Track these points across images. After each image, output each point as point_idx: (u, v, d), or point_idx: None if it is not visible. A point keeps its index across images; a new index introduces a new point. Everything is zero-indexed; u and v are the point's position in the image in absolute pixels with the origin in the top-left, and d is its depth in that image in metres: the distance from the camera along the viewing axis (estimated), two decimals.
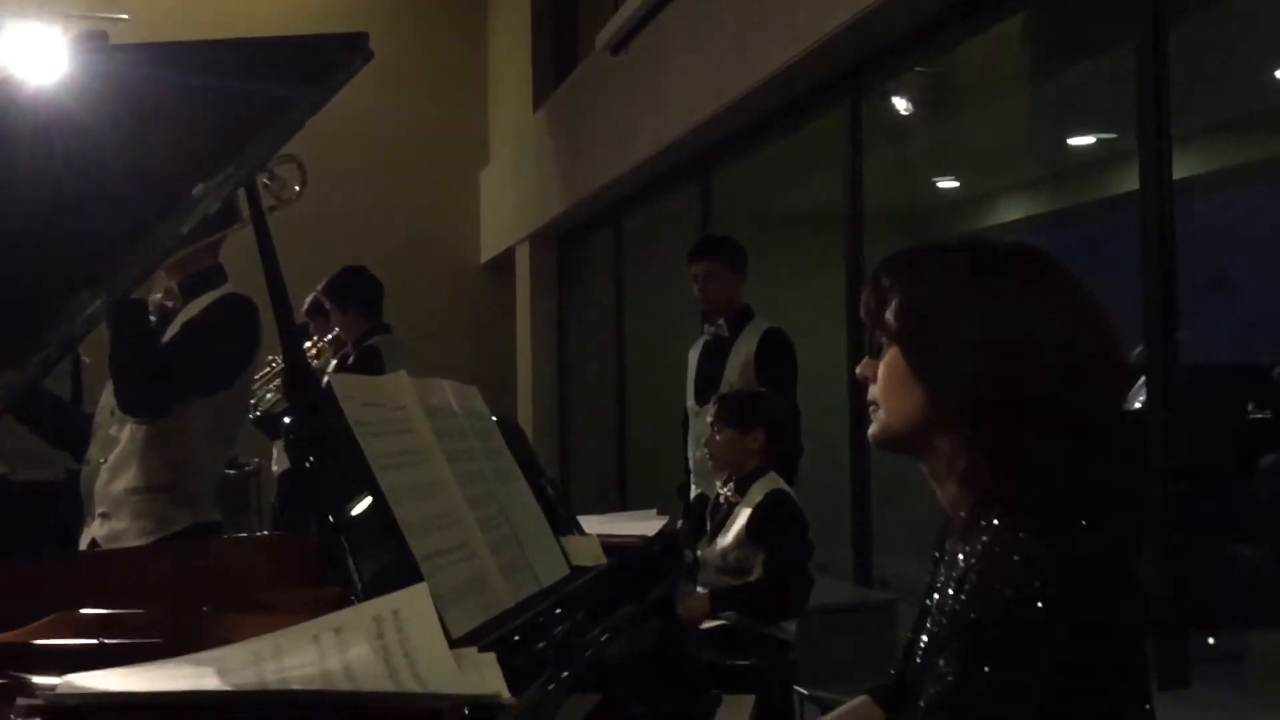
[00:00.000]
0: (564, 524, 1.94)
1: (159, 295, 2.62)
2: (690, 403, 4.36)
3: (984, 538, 1.25)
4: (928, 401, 1.32)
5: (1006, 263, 1.35)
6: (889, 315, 1.36)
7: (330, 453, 1.29)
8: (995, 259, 1.36)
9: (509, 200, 10.35)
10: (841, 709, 1.61)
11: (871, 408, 1.42)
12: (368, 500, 1.30)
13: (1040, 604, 1.18)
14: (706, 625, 3.38)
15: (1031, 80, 5.53)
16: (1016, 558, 1.20)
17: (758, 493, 3.48)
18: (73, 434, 2.80)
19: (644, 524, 2.17)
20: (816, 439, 5.70)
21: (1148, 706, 1.29)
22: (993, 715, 1.16)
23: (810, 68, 5.10)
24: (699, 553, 3.58)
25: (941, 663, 1.21)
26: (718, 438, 3.57)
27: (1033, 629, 1.17)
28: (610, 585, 1.82)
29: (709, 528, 3.62)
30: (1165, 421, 3.51)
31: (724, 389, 4.00)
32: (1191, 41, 4.00)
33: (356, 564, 1.23)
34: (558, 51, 9.82)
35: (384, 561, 1.27)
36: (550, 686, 1.29)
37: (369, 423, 1.37)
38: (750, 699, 2.09)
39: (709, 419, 3.62)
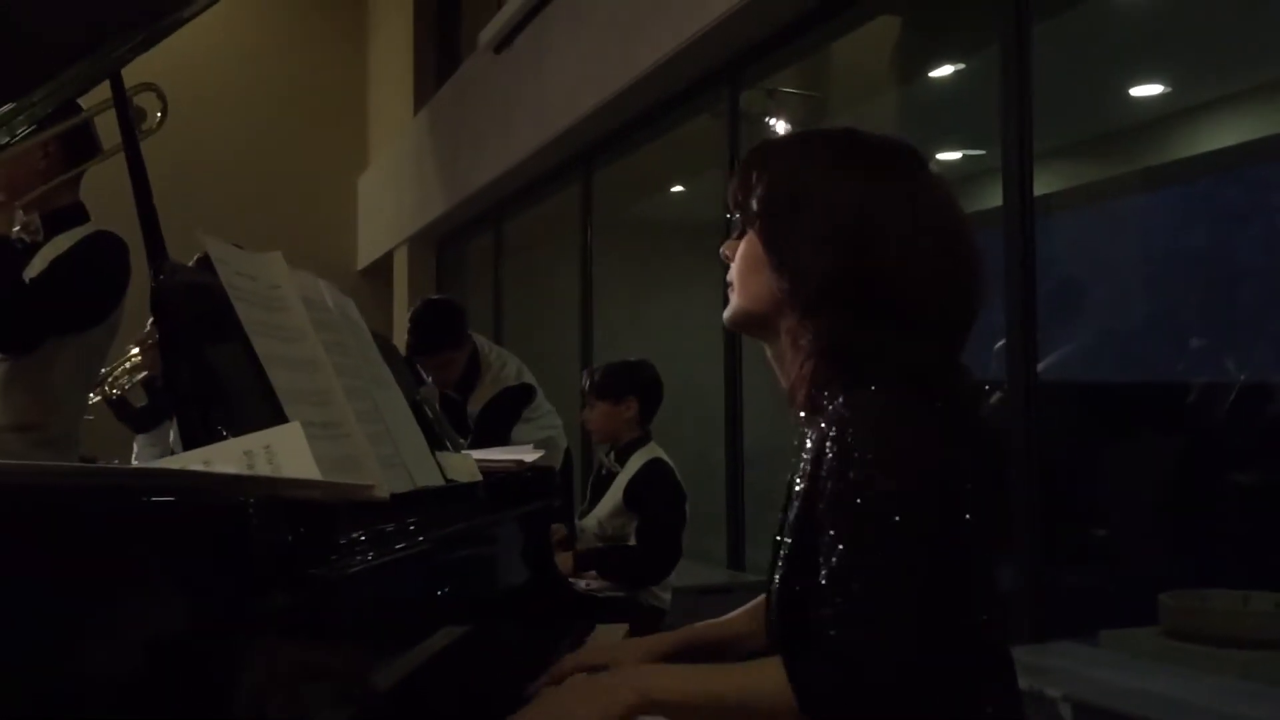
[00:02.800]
0: (439, 442, 1.92)
1: (16, 229, 2.52)
2: None
3: (829, 405, 1.29)
4: (777, 285, 1.36)
5: (869, 155, 1.37)
6: (753, 200, 1.40)
7: (200, 304, 1.25)
8: (858, 150, 1.38)
9: (387, 204, 10.23)
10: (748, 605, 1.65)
11: (729, 289, 1.46)
12: (238, 358, 1.26)
13: (894, 456, 1.22)
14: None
15: (901, 85, 5.70)
16: (863, 415, 1.24)
17: (637, 461, 3.51)
18: None
19: (521, 454, 2.17)
20: (695, 446, 5.77)
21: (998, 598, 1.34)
22: (877, 579, 1.18)
23: (689, 61, 5.19)
24: (577, 522, 3.59)
25: (831, 533, 1.22)
26: (593, 412, 3.60)
27: (890, 488, 1.20)
28: (484, 496, 1.81)
29: (588, 497, 3.63)
30: (1025, 432, 3.58)
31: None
32: (1052, 59, 4.14)
33: (225, 414, 1.20)
34: (440, 53, 9.78)
35: (253, 418, 1.24)
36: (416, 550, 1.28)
37: (242, 289, 1.33)
38: (624, 628, 2.09)
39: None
